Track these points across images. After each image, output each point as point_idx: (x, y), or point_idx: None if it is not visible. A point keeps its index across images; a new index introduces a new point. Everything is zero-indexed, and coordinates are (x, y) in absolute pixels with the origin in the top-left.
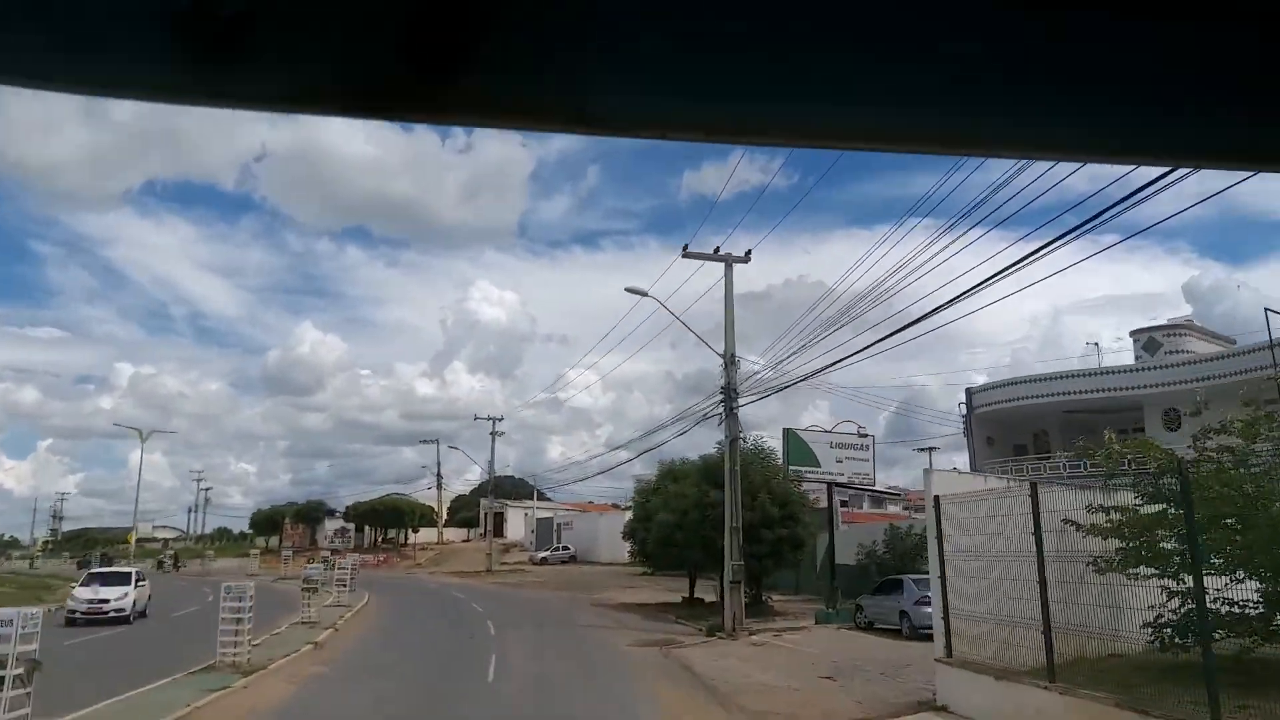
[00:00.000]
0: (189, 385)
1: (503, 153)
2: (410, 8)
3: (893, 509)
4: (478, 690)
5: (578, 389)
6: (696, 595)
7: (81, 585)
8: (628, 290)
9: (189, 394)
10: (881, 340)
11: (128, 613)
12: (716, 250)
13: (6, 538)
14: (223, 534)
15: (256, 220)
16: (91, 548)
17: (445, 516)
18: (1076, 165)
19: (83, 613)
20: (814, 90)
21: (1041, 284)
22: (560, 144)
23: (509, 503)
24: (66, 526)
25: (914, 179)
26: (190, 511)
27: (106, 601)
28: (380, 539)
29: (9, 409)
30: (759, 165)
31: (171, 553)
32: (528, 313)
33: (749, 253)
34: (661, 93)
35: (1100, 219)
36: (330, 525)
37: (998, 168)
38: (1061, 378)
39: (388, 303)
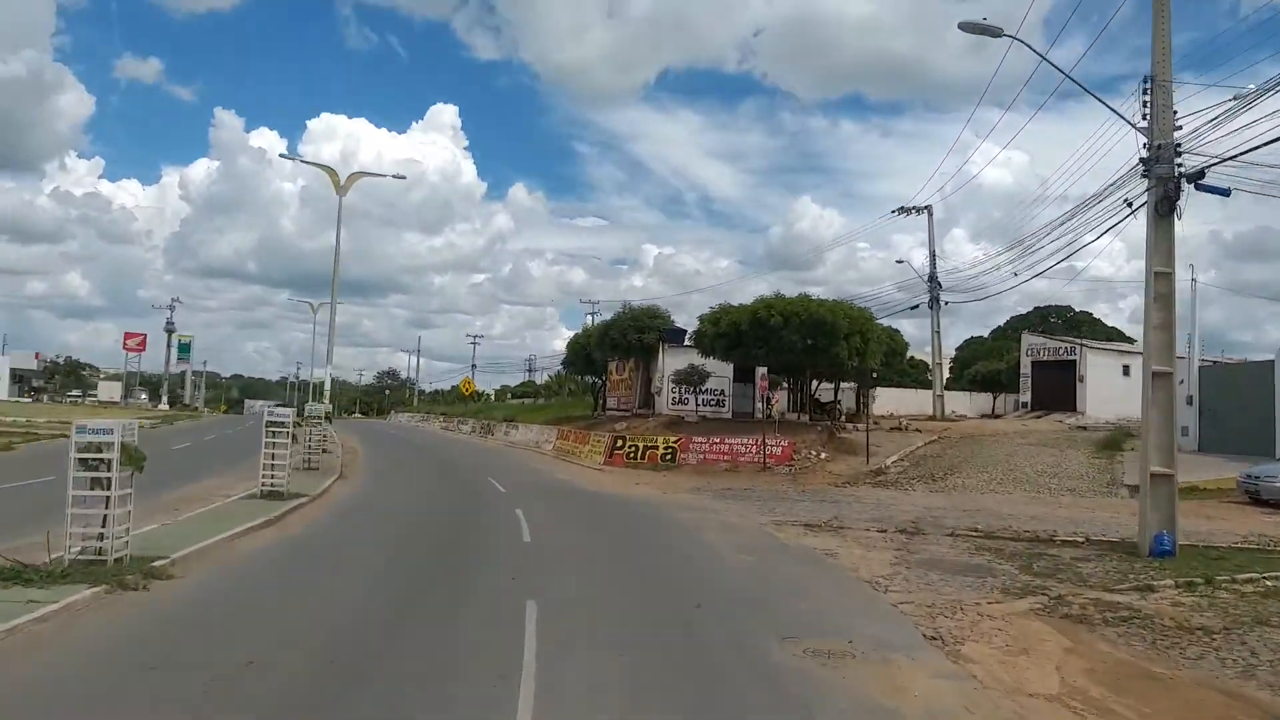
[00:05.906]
0: (703, 263)
1: None
2: None
3: None
4: None
5: (1094, 255)
6: None
7: None
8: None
9: (703, 271)
10: None
11: None
12: None
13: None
14: (561, 383)
15: (755, 103)
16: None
17: (950, 370)
18: None
19: None
20: None
21: None
22: None
23: (1089, 342)
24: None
25: None
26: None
27: None
28: (804, 398)
29: (563, 287)
30: None
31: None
32: (1035, 172)
33: None
34: None
35: None
36: (669, 361)
37: None
38: None
39: (882, 175)
